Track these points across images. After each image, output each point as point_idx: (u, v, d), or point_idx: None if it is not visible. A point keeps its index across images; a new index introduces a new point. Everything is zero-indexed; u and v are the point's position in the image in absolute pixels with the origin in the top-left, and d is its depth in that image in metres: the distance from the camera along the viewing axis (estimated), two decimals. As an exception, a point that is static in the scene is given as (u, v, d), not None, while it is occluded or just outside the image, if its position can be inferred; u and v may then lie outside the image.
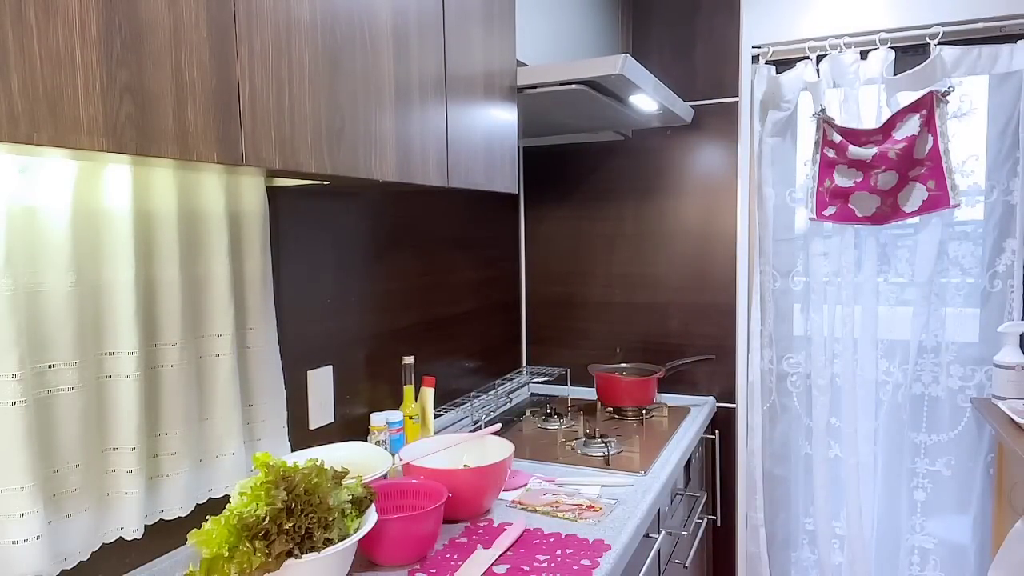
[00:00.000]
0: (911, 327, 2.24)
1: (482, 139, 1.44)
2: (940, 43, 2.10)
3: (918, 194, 2.17)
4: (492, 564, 1.19)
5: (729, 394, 2.36)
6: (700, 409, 2.24)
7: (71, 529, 1.00)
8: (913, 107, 2.12)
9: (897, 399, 2.27)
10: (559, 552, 1.23)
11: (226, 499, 1.26)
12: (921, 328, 2.23)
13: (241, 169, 1.00)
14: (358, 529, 1.02)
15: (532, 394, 2.49)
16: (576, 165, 2.50)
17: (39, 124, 0.65)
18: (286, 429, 1.38)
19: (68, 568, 1.01)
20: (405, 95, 1.18)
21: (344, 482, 1.05)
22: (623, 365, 2.35)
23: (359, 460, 1.35)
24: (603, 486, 1.56)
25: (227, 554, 0.90)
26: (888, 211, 2.20)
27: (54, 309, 0.97)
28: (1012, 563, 1.69)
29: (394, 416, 1.63)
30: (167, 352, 1.13)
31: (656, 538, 1.61)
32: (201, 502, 1.21)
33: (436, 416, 1.83)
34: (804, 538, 2.44)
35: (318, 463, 1.03)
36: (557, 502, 1.45)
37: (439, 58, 1.29)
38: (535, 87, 1.61)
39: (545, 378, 2.49)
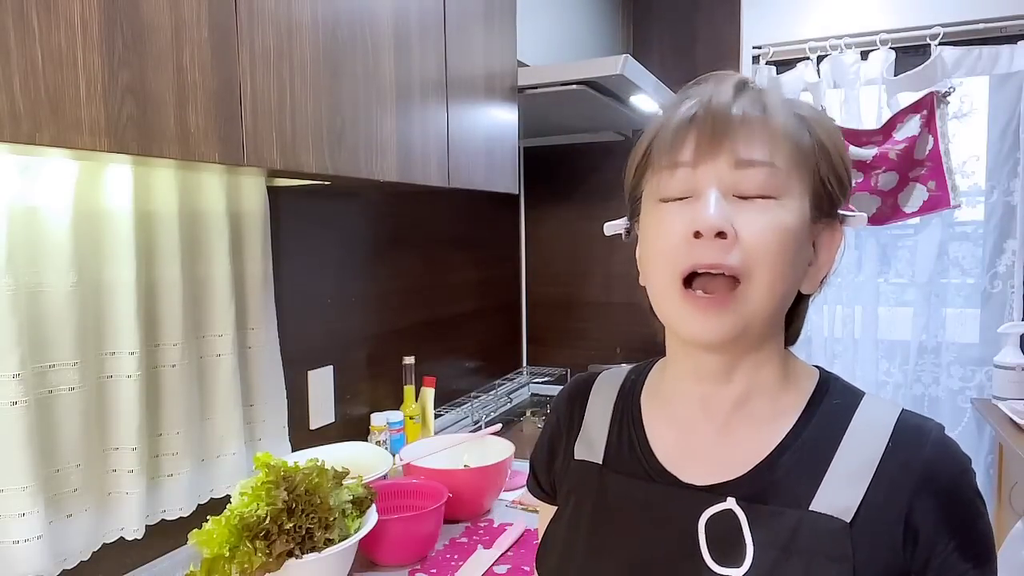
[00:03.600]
0: (911, 328, 2.24)
1: (483, 139, 1.44)
2: (940, 44, 2.10)
3: (918, 195, 2.17)
4: (492, 564, 1.19)
5: (729, 394, 2.36)
6: (700, 409, 2.23)
7: (72, 529, 1.00)
8: (913, 108, 2.12)
9: (897, 400, 2.27)
10: (559, 552, 1.23)
11: (227, 499, 1.26)
12: (921, 329, 2.23)
13: (242, 169, 1.00)
14: (359, 529, 1.02)
15: (532, 394, 2.49)
16: (576, 165, 2.50)
17: (41, 124, 0.65)
18: (287, 429, 1.38)
19: (69, 568, 1.01)
20: (406, 96, 1.18)
21: (345, 482, 1.06)
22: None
23: (359, 460, 1.35)
24: (603, 486, 1.56)
25: (228, 554, 0.90)
26: (888, 212, 2.20)
27: (55, 309, 0.97)
28: (1012, 564, 1.69)
29: (394, 416, 1.63)
30: (168, 352, 1.13)
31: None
32: (202, 502, 1.21)
33: (436, 416, 1.83)
34: (804, 538, 2.44)
35: (319, 463, 1.03)
36: (557, 502, 1.45)
37: (440, 59, 1.29)
38: (536, 87, 1.61)
39: (545, 378, 2.49)
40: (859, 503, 0.55)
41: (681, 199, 0.58)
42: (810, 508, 0.56)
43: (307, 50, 0.97)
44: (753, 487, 0.59)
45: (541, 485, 0.79)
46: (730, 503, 0.58)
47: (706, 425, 0.63)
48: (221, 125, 0.83)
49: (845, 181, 0.61)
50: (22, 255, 0.93)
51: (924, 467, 0.56)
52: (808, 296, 0.64)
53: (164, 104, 0.76)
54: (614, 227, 0.71)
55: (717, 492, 0.59)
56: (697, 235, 0.55)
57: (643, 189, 0.64)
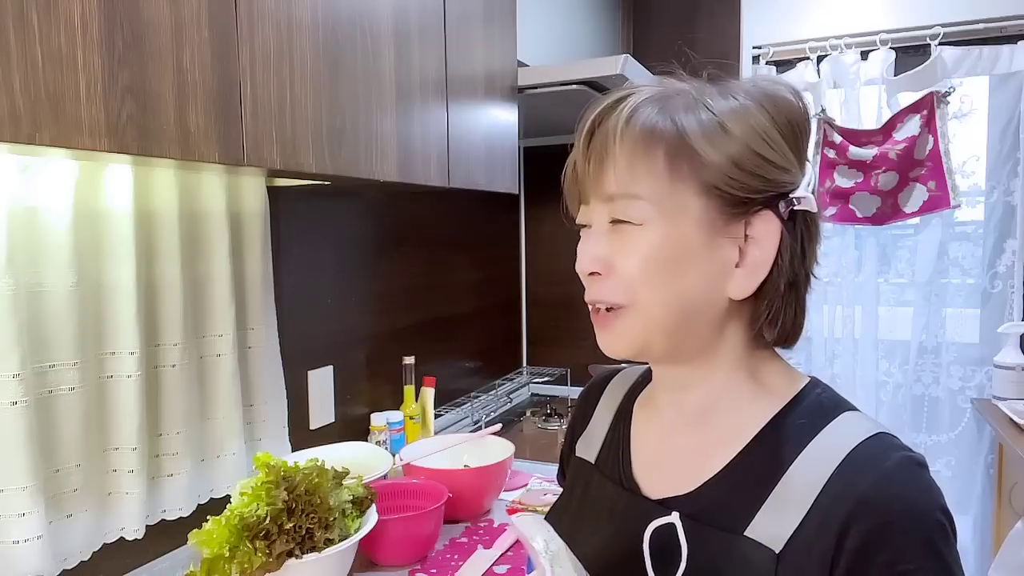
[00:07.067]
0: (911, 328, 2.24)
1: (483, 139, 1.44)
2: (940, 44, 2.10)
3: (918, 195, 2.17)
4: (492, 564, 1.19)
5: (729, 394, 2.36)
6: (700, 409, 2.23)
7: (72, 529, 1.00)
8: (913, 108, 2.12)
9: (898, 400, 2.27)
10: (559, 552, 1.23)
11: (227, 499, 1.26)
12: (921, 329, 2.23)
13: (242, 169, 1.00)
14: (359, 529, 1.02)
15: (532, 394, 2.49)
16: (576, 165, 2.50)
17: (41, 124, 0.65)
18: (287, 429, 1.38)
19: (69, 568, 1.01)
20: (406, 95, 1.18)
21: (345, 482, 1.05)
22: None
23: (360, 460, 1.34)
24: (603, 486, 1.55)
25: (228, 554, 0.90)
26: (888, 212, 2.20)
27: (55, 309, 0.96)
28: (1012, 564, 1.69)
29: (394, 416, 1.63)
30: (168, 352, 1.13)
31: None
32: (202, 502, 1.21)
33: (436, 416, 1.83)
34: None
35: (319, 463, 1.03)
36: (557, 502, 1.45)
37: (440, 59, 1.29)
38: (536, 87, 1.61)
39: (545, 378, 2.49)
40: (791, 533, 0.53)
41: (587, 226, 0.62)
42: (744, 533, 0.55)
43: (307, 50, 0.97)
44: (698, 504, 0.59)
45: (565, 476, 0.83)
46: (673, 517, 0.59)
47: (679, 433, 0.65)
48: (221, 125, 0.83)
49: (748, 176, 0.55)
50: (22, 255, 0.93)
51: (859, 501, 0.51)
52: (758, 296, 0.59)
53: (164, 104, 0.76)
54: None
55: (668, 506, 0.61)
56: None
57: None
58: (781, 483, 0.56)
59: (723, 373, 0.61)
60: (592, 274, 0.60)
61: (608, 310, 0.60)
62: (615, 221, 0.58)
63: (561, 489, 0.83)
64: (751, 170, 0.56)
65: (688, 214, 0.56)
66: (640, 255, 0.57)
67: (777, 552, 0.53)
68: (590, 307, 0.62)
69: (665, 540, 0.58)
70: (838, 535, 0.51)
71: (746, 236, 0.57)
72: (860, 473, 0.53)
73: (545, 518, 0.72)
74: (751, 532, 0.55)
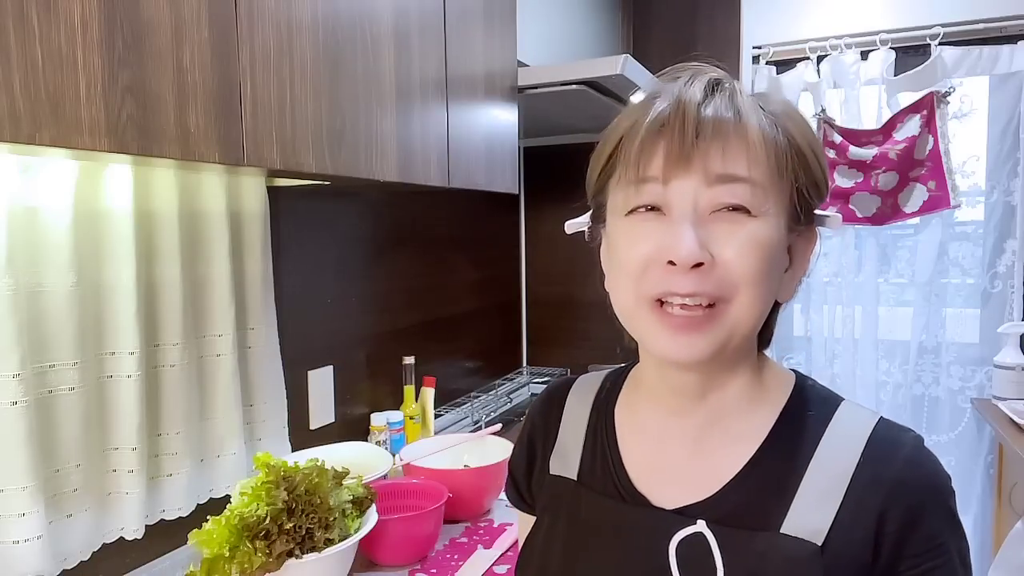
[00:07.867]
0: (911, 328, 2.24)
1: (483, 139, 1.44)
2: (940, 44, 2.10)
3: (918, 195, 2.17)
4: (492, 564, 1.19)
5: (729, 394, 2.35)
6: (700, 409, 2.23)
7: (72, 529, 1.00)
8: (913, 108, 2.12)
9: (897, 400, 2.27)
10: (559, 552, 1.23)
11: (227, 499, 1.26)
12: (921, 329, 2.23)
13: (242, 169, 1.00)
14: (359, 529, 1.02)
15: (532, 394, 2.49)
16: (576, 165, 2.48)
17: (41, 124, 0.65)
18: (287, 429, 1.38)
19: (69, 568, 1.01)
20: (406, 96, 1.18)
21: (345, 482, 1.05)
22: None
23: (359, 460, 1.34)
24: (603, 486, 1.55)
25: (228, 554, 0.90)
26: (888, 212, 2.20)
27: (55, 309, 0.96)
28: (1012, 564, 1.69)
29: (394, 416, 1.63)
30: (168, 352, 1.13)
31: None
32: (202, 502, 1.21)
33: (436, 416, 1.83)
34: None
35: (319, 463, 1.03)
36: (557, 502, 1.45)
37: (440, 59, 1.29)
38: (536, 87, 1.61)
39: (545, 378, 2.49)
40: (830, 525, 0.53)
41: (651, 209, 0.55)
42: (781, 530, 0.54)
43: (307, 50, 0.97)
44: (723, 508, 0.57)
45: (521, 495, 0.76)
46: (700, 526, 0.56)
47: (678, 440, 0.62)
48: (221, 125, 0.83)
49: (822, 187, 0.58)
50: (22, 255, 0.93)
51: (893, 484, 0.53)
52: (782, 304, 0.61)
53: (164, 104, 0.76)
54: (576, 225, 0.68)
55: (687, 514, 0.57)
56: (671, 263, 0.53)
57: (607, 196, 0.61)
58: (808, 475, 0.55)
59: (739, 380, 0.60)
60: (696, 265, 0.52)
61: (697, 306, 0.53)
62: (725, 208, 0.53)
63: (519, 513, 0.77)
64: (822, 174, 0.58)
65: (785, 214, 0.56)
66: (756, 247, 0.53)
67: (820, 544, 0.53)
68: (657, 303, 0.54)
69: (690, 551, 0.56)
70: (877, 520, 0.53)
71: (789, 247, 0.59)
72: (885, 459, 0.55)
73: (525, 549, 0.69)
74: (787, 528, 0.54)
